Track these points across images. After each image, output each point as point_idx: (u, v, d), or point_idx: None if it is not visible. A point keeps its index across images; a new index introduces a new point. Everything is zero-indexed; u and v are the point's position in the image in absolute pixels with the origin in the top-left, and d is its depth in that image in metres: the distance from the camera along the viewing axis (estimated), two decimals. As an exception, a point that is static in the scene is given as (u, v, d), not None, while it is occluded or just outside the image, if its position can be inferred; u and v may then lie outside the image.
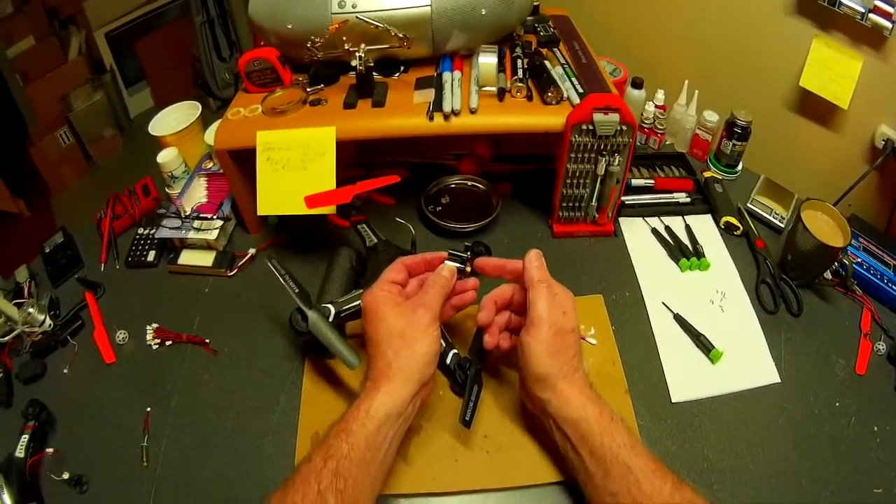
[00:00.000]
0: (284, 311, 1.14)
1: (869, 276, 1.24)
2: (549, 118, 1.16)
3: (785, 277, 1.25)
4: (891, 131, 1.37)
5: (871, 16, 1.27)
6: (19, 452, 0.99)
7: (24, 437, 1.01)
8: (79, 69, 3.27)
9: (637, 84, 1.54)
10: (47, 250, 1.41)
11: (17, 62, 3.00)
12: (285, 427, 1.04)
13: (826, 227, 1.20)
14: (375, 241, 1.14)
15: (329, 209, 1.14)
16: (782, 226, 1.37)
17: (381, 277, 0.96)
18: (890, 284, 1.23)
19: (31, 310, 1.21)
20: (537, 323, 0.90)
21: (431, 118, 1.16)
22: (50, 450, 1.04)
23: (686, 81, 1.53)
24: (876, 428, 1.04)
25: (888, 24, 1.25)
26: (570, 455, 0.89)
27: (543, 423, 0.94)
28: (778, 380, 1.10)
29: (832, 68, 1.39)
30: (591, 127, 1.14)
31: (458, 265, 1.01)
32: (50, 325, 1.22)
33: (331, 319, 1.01)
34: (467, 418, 0.94)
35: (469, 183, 1.42)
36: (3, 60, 2.94)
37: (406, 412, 0.88)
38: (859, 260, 1.26)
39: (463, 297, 1.02)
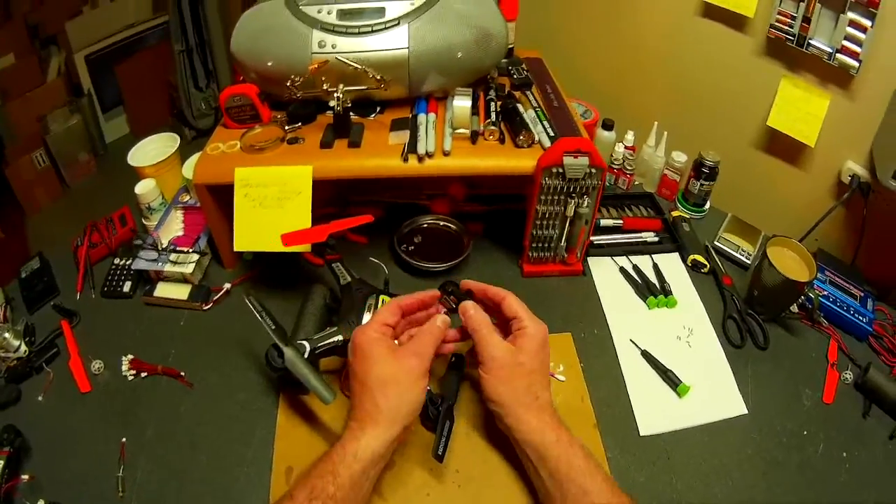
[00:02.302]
0: (259, 346, 1.16)
1: (835, 307, 1.28)
2: (520, 161, 1.19)
3: (752, 312, 1.28)
4: (857, 167, 1.42)
5: (839, 56, 1.31)
6: (-6, 478, 0.99)
7: (-1, 463, 1.01)
8: (57, 91, 3.24)
9: (607, 126, 1.58)
10: (24, 275, 1.40)
11: (-5, 80, 2.99)
12: (260, 460, 1.05)
13: (792, 263, 1.24)
14: (349, 279, 1.16)
15: (304, 247, 1.15)
16: (749, 262, 1.40)
17: (374, 317, 0.97)
18: (856, 315, 1.27)
19: (6, 334, 1.21)
20: (486, 361, 0.96)
21: (406, 160, 1.18)
22: (25, 476, 1.03)
23: (655, 123, 1.57)
24: (845, 454, 1.07)
25: (855, 64, 1.29)
26: (532, 477, 0.94)
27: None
28: (745, 411, 1.13)
29: (800, 107, 1.43)
30: (561, 170, 1.17)
31: (446, 310, 1.04)
32: (25, 351, 1.22)
33: (306, 356, 1.02)
34: (440, 452, 0.96)
35: (441, 223, 1.44)
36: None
37: (388, 453, 0.90)
38: (825, 293, 1.30)
39: (445, 346, 1.05)
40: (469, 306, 1.01)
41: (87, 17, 3.30)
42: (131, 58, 3.49)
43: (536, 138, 1.21)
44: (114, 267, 1.39)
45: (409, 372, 0.92)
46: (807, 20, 1.34)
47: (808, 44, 1.36)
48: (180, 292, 1.32)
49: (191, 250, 1.32)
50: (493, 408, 0.97)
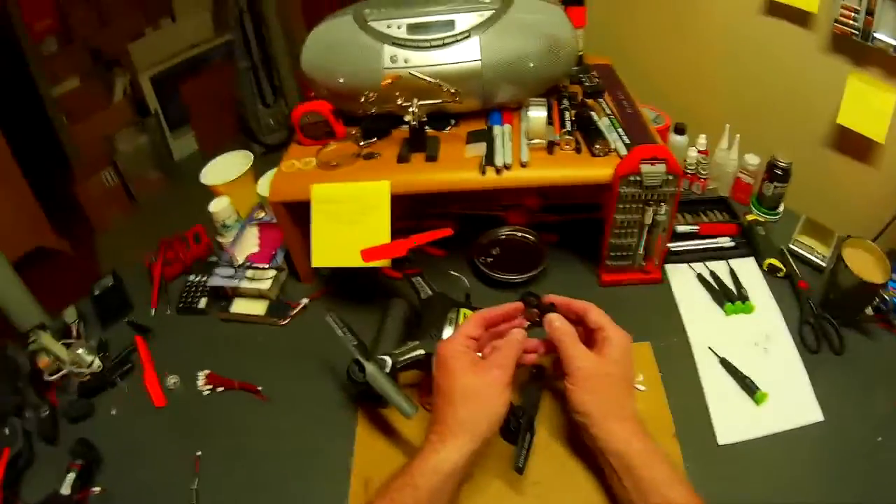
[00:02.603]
0: (337, 360, 1.17)
1: (911, 309, 1.24)
2: (597, 170, 1.18)
3: (827, 316, 1.24)
4: (927, 162, 1.37)
5: (905, 48, 1.28)
6: (65, 490, 1.02)
7: (71, 475, 1.03)
8: (123, 111, 3.34)
9: (680, 130, 1.55)
10: (97, 293, 1.44)
11: (62, 101, 3.06)
12: (337, 474, 1.05)
13: (867, 264, 1.21)
14: (430, 293, 1.16)
15: (384, 262, 1.16)
16: (824, 265, 1.36)
17: (459, 330, 0.97)
18: (931, 316, 1.22)
19: (79, 350, 1.24)
20: (571, 371, 0.95)
21: (484, 172, 1.18)
22: (97, 489, 1.06)
23: (727, 125, 1.54)
24: (919, 462, 1.04)
25: (920, 56, 1.26)
26: (616, 487, 0.92)
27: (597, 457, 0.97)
28: (821, 418, 1.10)
29: (868, 104, 1.40)
30: (638, 178, 1.15)
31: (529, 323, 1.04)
32: (99, 366, 1.25)
33: (387, 371, 1.03)
34: (520, 465, 0.95)
35: (518, 234, 1.43)
36: (48, 99, 3.01)
37: (468, 467, 0.90)
38: (901, 294, 1.26)
39: (526, 357, 1.03)
40: (554, 318, 1.01)
41: (150, 39, 3.39)
42: (196, 76, 3.57)
43: (612, 146, 1.20)
44: (189, 284, 1.42)
45: (491, 385, 0.91)
46: (870, 13, 1.31)
47: (873, 37, 1.33)
48: (257, 308, 1.33)
49: (267, 266, 1.34)
50: (579, 419, 0.95)
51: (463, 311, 1.12)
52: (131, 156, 3.33)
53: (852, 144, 1.51)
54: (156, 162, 3.49)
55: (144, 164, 3.42)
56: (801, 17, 1.49)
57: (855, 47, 1.39)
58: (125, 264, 1.55)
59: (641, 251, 1.29)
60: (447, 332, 1.08)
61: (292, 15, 3.30)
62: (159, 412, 1.19)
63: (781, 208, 1.52)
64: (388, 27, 1.22)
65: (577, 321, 1.03)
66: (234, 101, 3.55)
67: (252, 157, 1.56)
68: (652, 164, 1.14)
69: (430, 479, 0.84)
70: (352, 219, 1.17)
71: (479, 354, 0.98)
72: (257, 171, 1.52)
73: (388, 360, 1.04)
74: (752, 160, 1.50)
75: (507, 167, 1.18)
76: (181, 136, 3.67)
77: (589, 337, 1.02)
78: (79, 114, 3.14)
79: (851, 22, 1.36)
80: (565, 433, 1.07)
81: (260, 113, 3.45)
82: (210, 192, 1.49)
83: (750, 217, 1.48)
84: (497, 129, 1.25)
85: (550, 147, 1.21)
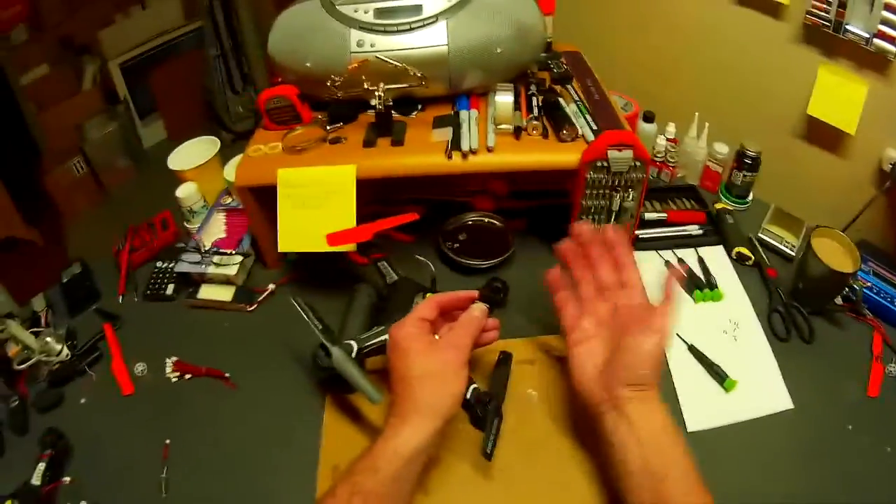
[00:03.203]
0: (304, 346, 1.16)
1: (879, 299, 1.26)
2: (564, 155, 1.18)
3: (796, 305, 1.25)
4: (898, 154, 1.38)
5: (876, 41, 1.28)
6: (35, 480, 1.01)
7: (41, 465, 1.02)
8: (93, 99, 3.29)
9: (648, 118, 1.56)
10: (65, 280, 1.43)
11: (30, 89, 3.01)
12: (305, 460, 1.05)
13: (836, 254, 1.22)
14: (396, 278, 1.16)
15: (350, 247, 1.15)
16: (793, 254, 1.38)
17: (412, 313, 0.96)
18: (900, 306, 1.24)
19: (48, 339, 1.22)
20: (654, 328, 0.92)
21: (450, 157, 1.17)
22: (67, 479, 1.04)
23: (696, 114, 1.55)
24: (889, 449, 1.05)
25: (892, 48, 1.26)
26: (630, 456, 0.88)
27: (602, 423, 0.93)
28: (791, 406, 1.11)
29: (838, 95, 1.41)
30: (605, 163, 1.15)
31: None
32: (67, 354, 1.24)
33: (353, 356, 1.02)
34: (488, 451, 0.95)
35: (485, 219, 1.44)
36: (17, 87, 2.96)
37: (430, 448, 0.89)
38: (869, 284, 1.28)
39: (485, 335, 1.02)
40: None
41: (120, 26, 3.34)
42: (166, 64, 3.52)
43: (580, 132, 1.20)
44: (156, 270, 1.41)
45: (447, 364, 0.91)
46: (842, 5, 1.31)
47: (845, 29, 1.33)
48: (224, 294, 1.32)
49: (234, 252, 1.33)
50: (627, 377, 0.91)
51: (429, 295, 1.11)
52: (100, 143, 3.28)
53: (822, 135, 1.51)
54: (125, 150, 3.45)
55: (114, 152, 3.37)
56: (772, 8, 1.49)
57: (826, 39, 1.40)
58: (94, 252, 1.53)
59: (609, 237, 1.29)
60: (413, 317, 1.07)
61: (263, 2, 3.27)
62: (128, 400, 1.18)
63: (751, 197, 1.53)
64: (356, 11, 1.21)
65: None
66: (203, 89, 3.51)
67: (219, 142, 1.55)
68: (619, 149, 1.15)
69: (392, 462, 0.84)
70: (318, 203, 1.17)
71: (437, 336, 0.97)
72: (226, 158, 1.51)
73: (355, 344, 1.04)
74: (722, 149, 1.52)
75: (473, 152, 1.17)
76: (151, 124, 3.63)
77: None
78: (48, 102, 3.09)
79: (823, 14, 1.36)
80: (532, 419, 1.08)
81: (229, 100, 3.42)
82: (178, 179, 1.48)
83: (719, 205, 1.49)
84: (464, 114, 1.25)
85: (517, 132, 1.21)
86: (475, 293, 1.02)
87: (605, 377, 0.94)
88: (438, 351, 0.92)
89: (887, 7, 1.24)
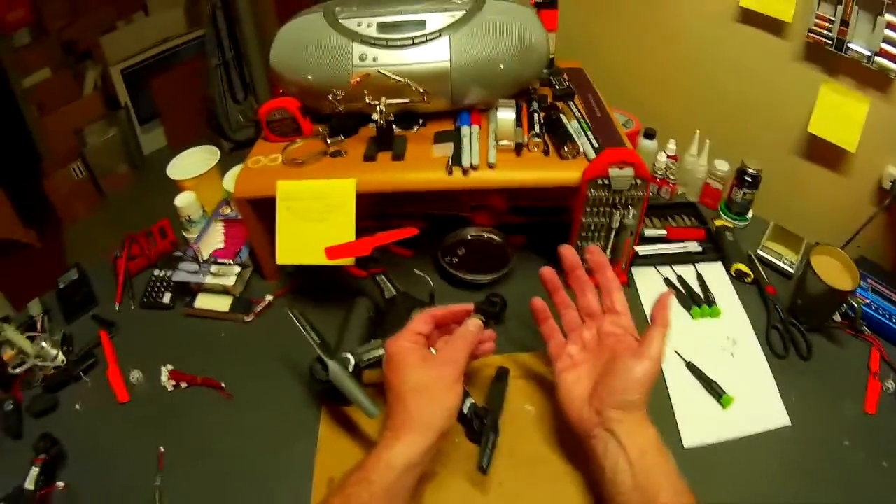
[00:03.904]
0: (300, 358, 1.16)
1: (878, 316, 1.25)
2: (565, 173, 1.18)
3: (795, 322, 1.25)
4: (898, 172, 1.39)
5: (878, 59, 1.29)
6: (29, 485, 1.00)
7: (34, 470, 1.01)
8: (93, 104, 3.30)
9: (649, 135, 1.56)
10: (62, 286, 1.42)
11: (32, 93, 3.04)
12: (300, 472, 1.04)
13: (835, 271, 1.22)
14: (394, 292, 1.16)
15: (348, 261, 1.15)
16: (792, 271, 1.38)
17: (407, 327, 0.96)
18: (898, 323, 1.24)
19: (44, 344, 1.22)
20: (647, 354, 0.92)
21: (450, 172, 1.17)
22: (60, 484, 1.04)
23: (697, 131, 1.55)
24: (886, 465, 1.04)
25: (894, 67, 1.27)
26: (621, 476, 0.88)
27: (591, 444, 0.94)
28: (788, 422, 1.10)
29: (839, 113, 1.41)
30: (606, 181, 1.15)
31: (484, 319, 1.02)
32: (63, 360, 1.23)
33: (350, 369, 1.02)
34: (484, 465, 0.95)
35: (485, 235, 1.43)
36: (19, 90, 2.97)
37: (424, 461, 0.89)
38: (868, 301, 1.27)
39: (482, 347, 1.02)
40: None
41: (122, 33, 3.36)
42: (167, 71, 3.54)
43: (581, 149, 1.20)
44: (154, 279, 1.40)
45: (441, 379, 0.91)
46: (845, 23, 1.32)
47: (847, 48, 1.34)
48: (221, 304, 1.32)
49: (232, 262, 1.32)
50: (616, 398, 0.92)
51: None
52: (100, 149, 3.30)
53: (823, 153, 1.52)
54: (125, 156, 3.46)
55: (113, 158, 3.38)
56: (775, 26, 1.49)
57: (828, 57, 1.40)
58: (92, 258, 1.52)
59: (608, 254, 1.29)
60: (410, 332, 1.07)
61: (266, 12, 3.28)
62: (123, 407, 1.17)
63: (750, 214, 1.53)
64: (359, 25, 1.21)
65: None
66: (204, 97, 3.52)
67: (218, 152, 1.55)
68: (620, 167, 1.14)
69: (385, 474, 0.84)
70: (317, 216, 1.16)
71: (433, 350, 0.98)
72: (225, 167, 1.50)
73: (352, 358, 1.04)
74: (722, 166, 1.51)
75: (473, 168, 1.17)
76: (151, 131, 3.65)
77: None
78: (49, 106, 3.11)
79: (825, 32, 1.37)
80: (529, 435, 1.07)
81: (230, 109, 3.44)
82: (178, 188, 1.48)
83: (718, 222, 1.49)
84: (465, 130, 1.25)
85: (518, 149, 1.21)
86: (471, 306, 1.02)
87: (594, 400, 0.94)
88: (433, 365, 0.92)
89: (889, 25, 1.25)
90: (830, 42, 1.37)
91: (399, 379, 0.91)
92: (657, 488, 0.85)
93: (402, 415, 0.89)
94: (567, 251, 1.04)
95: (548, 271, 1.07)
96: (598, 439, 0.92)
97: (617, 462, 0.89)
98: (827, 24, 1.36)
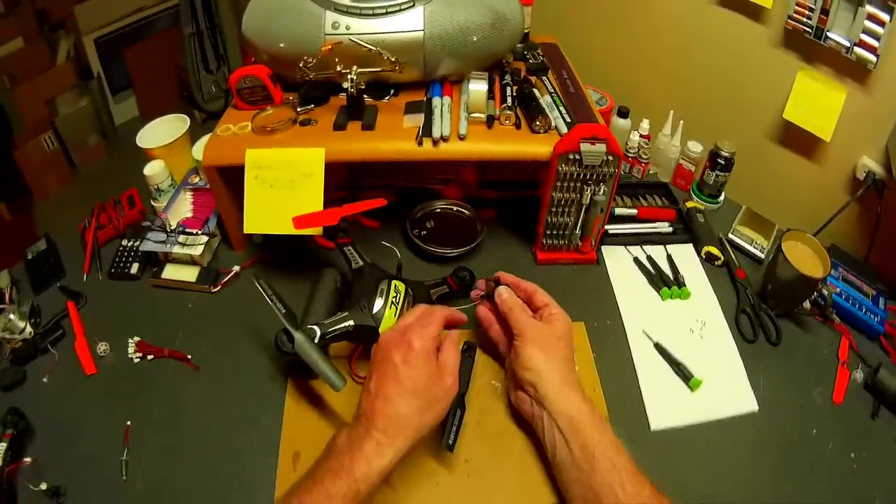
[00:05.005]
0: (268, 329, 1.15)
1: (847, 305, 1.26)
2: (536, 147, 1.17)
3: (765, 307, 1.26)
4: (872, 163, 1.39)
5: (857, 49, 1.28)
6: (-4, 460, 0.98)
7: (2, 445, 1.00)
8: (66, 74, 3.24)
9: (623, 113, 1.56)
10: (30, 257, 1.40)
11: (4, 63, 2.98)
12: (267, 445, 1.04)
13: (806, 258, 1.22)
14: (361, 263, 1.14)
15: (316, 230, 1.14)
16: (763, 256, 1.39)
17: (431, 329, 0.95)
18: (868, 313, 1.25)
19: (11, 316, 1.20)
20: (523, 330, 1.01)
21: (420, 143, 1.17)
22: (28, 459, 1.02)
23: (671, 111, 1.55)
24: (853, 455, 1.06)
25: (872, 58, 1.27)
26: (560, 452, 0.92)
27: (535, 425, 0.98)
28: (756, 408, 1.11)
29: (816, 101, 1.41)
30: (577, 156, 1.15)
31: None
32: (30, 332, 1.21)
33: (316, 341, 1.00)
34: (451, 442, 0.95)
35: (454, 208, 1.43)
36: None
37: None
38: (838, 290, 1.28)
39: (458, 316, 1.07)
40: (503, 290, 1.06)
41: (96, 2, 3.29)
42: (141, 41, 3.49)
43: (553, 124, 1.19)
44: (121, 249, 1.38)
45: (446, 393, 0.92)
46: (825, 12, 1.31)
47: (826, 36, 1.34)
48: (188, 274, 1.31)
49: (200, 232, 1.31)
50: (528, 376, 0.97)
51: (395, 282, 1.10)
52: (72, 119, 3.24)
53: (797, 140, 1.52)
54: (97, 126, 3.41)
55: (85, 128, 3.33)
56: (754, 11, 1.49)
57: (807, 44, 1.40)
58: (62, 229, 1.50)
59: (578, 231, 1.29)
60: (378, 303, 1.06)
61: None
62: (90, 380, 1.16)
63: (722, 197, 1.54)
64: (332, -7, 1.20)
65: (525, 300, 1.08)
66: (177, 67, 3.48)
67: (188, 121, 1.53)
68: (592, 143, 1.14)
69: (374, 483, 0.82)
70: (285, 185, 1.15)
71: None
72: (196, 137, 1.49)
73: (318, 330, 1.02)
74: (695, 147, 1.52)
75: (444, 139, 1.17)
76: (123, 101, 3.60)
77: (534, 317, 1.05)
78: (21, 76, 3.05)
79: (805, 19, 1.36)
80: (495, 411, 1.08)
81: (203, 79, 3.40)
82: (147, 157, 1.45)
83: (690, 204, 1.50)
84: (436, 101, 1.24)
85: (490, 121, 1.20)
86: (464, 318, 1.07)
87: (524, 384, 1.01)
88: (439, 375, 0.92)
89: (870, 17, 1.24)
90: (810, 30, 1.36)
91: (416, 379, 0.89)
92: (590, 465, 0.88)
93: (403, 420, 0.87)
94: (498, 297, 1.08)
95: (482, 311, 1.13)
96: (537, 417, 0.97)
97: (553, 436, 0.93)
98: (807, 12, 1.35)
